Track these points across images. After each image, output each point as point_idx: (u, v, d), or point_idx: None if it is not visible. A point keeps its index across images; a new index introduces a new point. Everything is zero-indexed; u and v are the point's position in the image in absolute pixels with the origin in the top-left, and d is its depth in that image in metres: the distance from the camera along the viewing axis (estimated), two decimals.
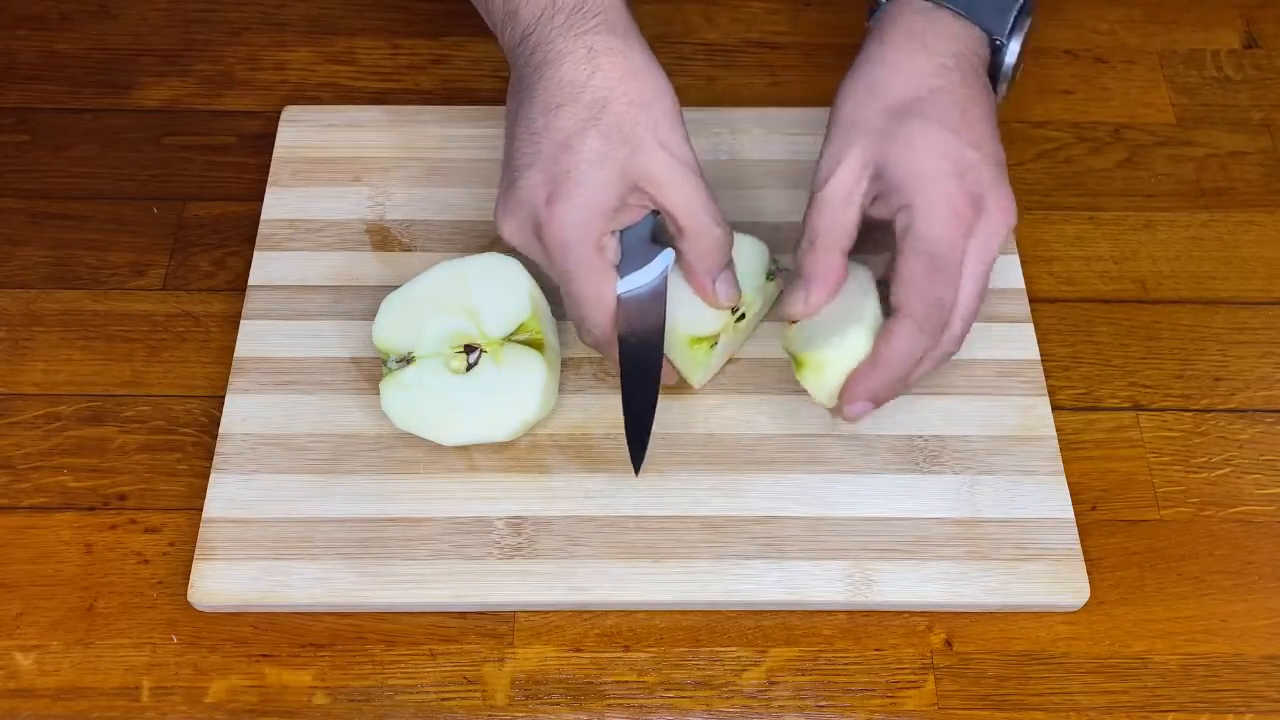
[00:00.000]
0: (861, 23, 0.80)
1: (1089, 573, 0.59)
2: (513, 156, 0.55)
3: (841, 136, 0.57)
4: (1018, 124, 0.75)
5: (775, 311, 0.57)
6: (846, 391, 0.57)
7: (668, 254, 0.58)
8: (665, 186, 0.55)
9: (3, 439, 0.63)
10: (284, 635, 0.58)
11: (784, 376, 0.63)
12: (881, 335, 0.56)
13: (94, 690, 0.57)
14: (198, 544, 0.58)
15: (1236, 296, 0.69)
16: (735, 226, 0.62)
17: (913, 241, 0.55)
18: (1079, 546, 0.59)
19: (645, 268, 0.57)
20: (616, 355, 0.58)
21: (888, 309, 0.57)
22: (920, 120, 0.56)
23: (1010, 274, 0.67)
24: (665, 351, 0.60)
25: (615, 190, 0.54)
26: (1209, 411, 0.65)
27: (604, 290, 0.56)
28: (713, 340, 0.60)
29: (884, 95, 0.57)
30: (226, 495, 0.60)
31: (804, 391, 0.63)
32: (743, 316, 0.62)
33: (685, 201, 0.55)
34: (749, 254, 0.63)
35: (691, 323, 0.60)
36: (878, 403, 0.57)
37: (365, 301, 0.65)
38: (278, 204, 0.69)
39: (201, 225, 0.70)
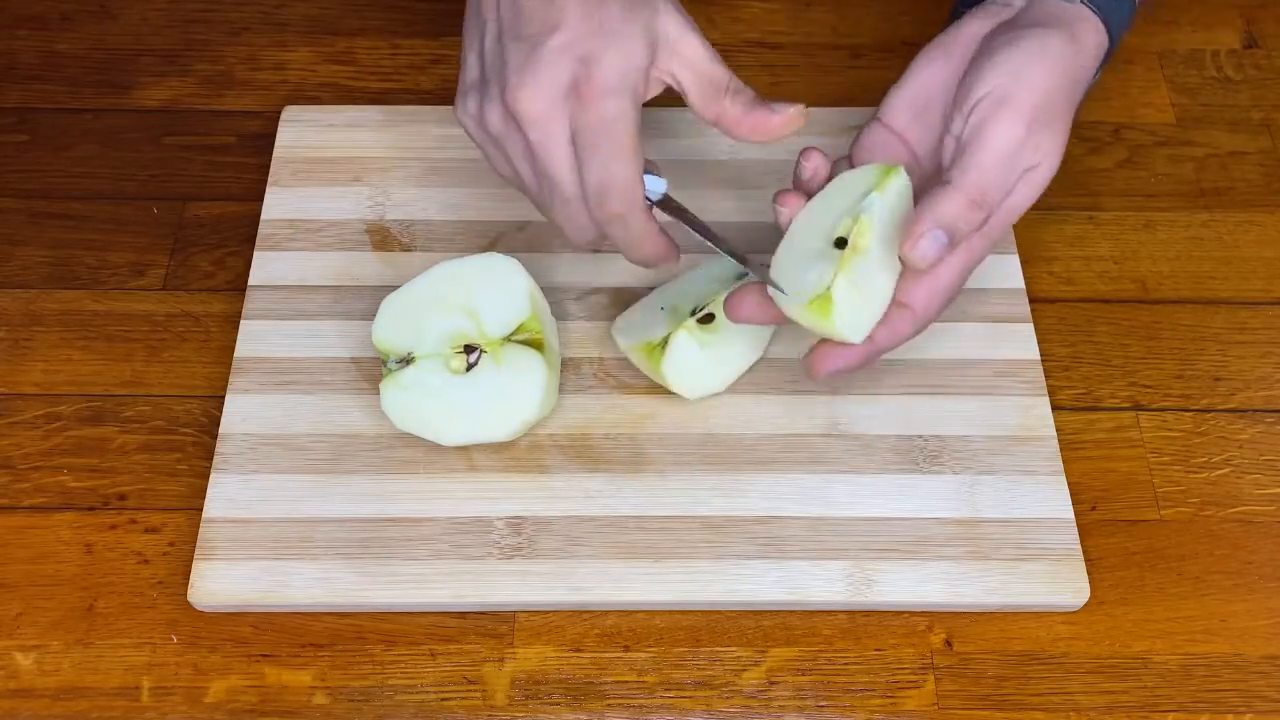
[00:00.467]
0: (862, 22, 0.80)
1: (1089, 573, 0.59)
2: (523, 27, 0.53)
3: (1015, 114, 0.54)
4: None
5: (900, 253, 0.54)
6: (828, 361, 0.56)
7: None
8: (680, 45, 0.55)
9: (3, 439, 0.63)
10: (284, 635, 0.58)
11: (784, 377, 0.64)
12: (886, 323, 0.56)
13: (94, 690, 0.57)
14: (198, 544, 0.58)
15: (1236, 296, 0.69)
16: (732, 228, 0.62)
17: (968, 255, 0.56)
18: (1079, 546, 0.59)
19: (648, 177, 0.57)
20: (638, 229, 0.56)
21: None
22: (1047, 139, 0.55)
23: (1010, 274, 0.67)
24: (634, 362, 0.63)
25: (644, 48, 0.54)
26: (1209, 411, 0.65)
27: (638, 149, 0.54)
28: (662, 343, 0.60)
29: (1032, 89, 0.55)
30: (226, 495, 0.60)
31: (804, 392, 0.63)
32: (711, 317, 0.61)
33: (699, 55, 0.55)
34: (717, 269, 0.63)
35: (637, 330, 0.62)
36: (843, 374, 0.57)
37: (365, 301, 0.65)
38: (278, 204, 0.69)
39: (201, 225, 0.70)
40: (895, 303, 0.56)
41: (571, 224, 0.56)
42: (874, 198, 0.54)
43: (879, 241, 0.54)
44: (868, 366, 0.57)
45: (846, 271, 0.53)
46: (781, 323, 0.57)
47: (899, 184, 0.55)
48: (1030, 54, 0.55)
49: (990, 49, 0.56)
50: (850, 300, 0.53)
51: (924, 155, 0.59)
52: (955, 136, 0.56)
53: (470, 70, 0.56)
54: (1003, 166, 0.54)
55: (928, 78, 0.58)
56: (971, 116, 0.55)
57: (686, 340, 0.61)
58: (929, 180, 0.57)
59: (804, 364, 0.57)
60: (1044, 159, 0.55)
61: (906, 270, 0.55)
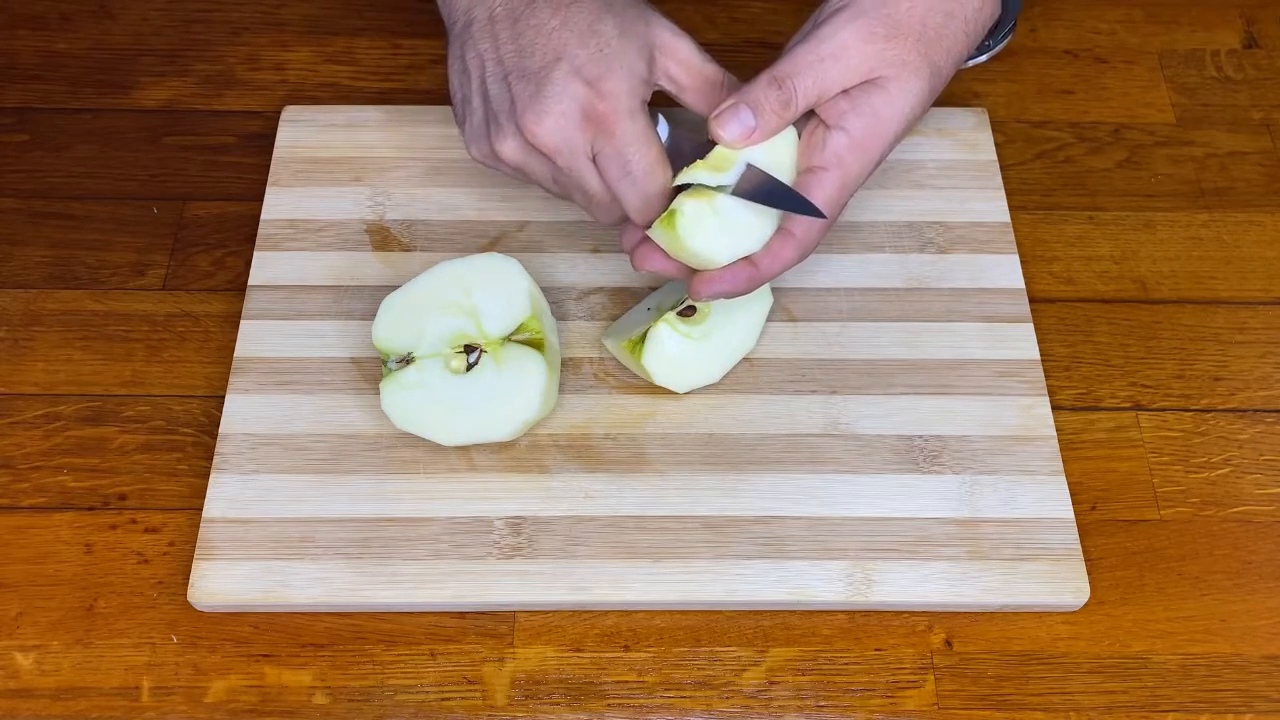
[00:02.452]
0: None
1: (1089, 573, 0.59)
2: (526, 62, 0.56)
3: (850, 16, 0.56)
4: (1018, 124, 0.75)
5: (709, 132, 0.56)
6: (709, 284, 0.57)
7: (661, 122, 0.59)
8: (674, 49, 0.58)
9: (3, 439, 0.63)
10: (284, 635, 0.58)
11: (784, 376, 0.64)
12: (768, 249, 0.56)
13: (94, 690, 0.57)
14: (198, 544, 0.58)
15: (1236, 296, 0.69)
16: None
17: (841, 176, 0.56)
18: (1079, 546, 0.59)
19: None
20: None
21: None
22: (893, 51, 0.55)
23: (1010, 274, 0.67)
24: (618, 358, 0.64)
25: (643, 59, 0.56)
26: (1209, 411, 0.65)
27: (660, 147, 0.57)
28: (642, 337, 0.61)
29: (881, 2, 0.56)
30: (226, 495, 0.60)
31: (804, 392, 0.63)
32: (692, 309, 0.62)
33: (693, 56, 0.58)
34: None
35: (622, 331, 0.63)
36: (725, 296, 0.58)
37: (365, 301, 0.66)
38: (278, 204, 0.69)
39: (201, 225, 0.70)
40: (780, 229, 0.57)
41: (603, 216, 0.59)
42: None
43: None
44: (754, 289, 0.58)
45: (694, 195, 0.55)
46: (681, 273, 0.58)
47: (785, 132, 0.56)
48: None
49: None
50: (701, 220, 0.55)
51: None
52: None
53: (475, 112, 0.58)
54: (820, 58, 0.55)
55: None
56: (819, 21, 0.56)
57: (667, 332, 0.61)
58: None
59: (689, 288, 0.58)
60: (890, 71, 0.55)
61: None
